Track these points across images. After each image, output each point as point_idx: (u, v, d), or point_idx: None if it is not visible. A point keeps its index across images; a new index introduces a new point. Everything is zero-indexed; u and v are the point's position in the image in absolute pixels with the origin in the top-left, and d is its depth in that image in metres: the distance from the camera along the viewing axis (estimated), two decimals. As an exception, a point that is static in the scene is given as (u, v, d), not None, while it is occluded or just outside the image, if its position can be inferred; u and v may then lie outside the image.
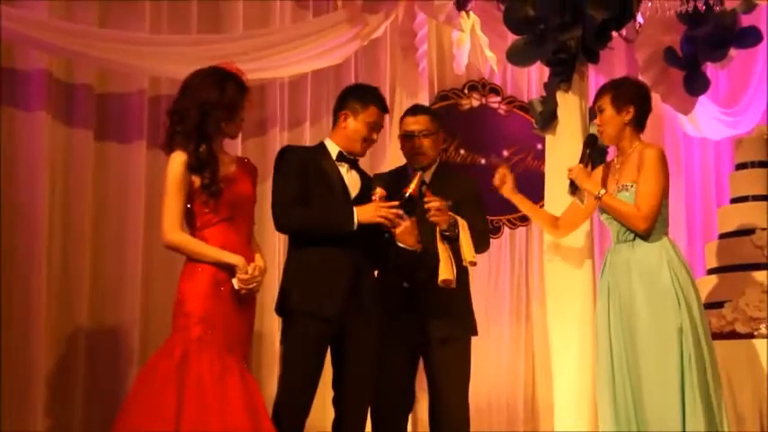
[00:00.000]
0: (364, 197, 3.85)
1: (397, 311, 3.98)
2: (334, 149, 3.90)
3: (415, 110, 4.28)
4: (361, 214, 3.71)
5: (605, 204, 3.95)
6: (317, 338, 3.73)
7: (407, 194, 3.79)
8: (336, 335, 3.76)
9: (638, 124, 4.05)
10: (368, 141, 3.91)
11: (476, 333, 4.19)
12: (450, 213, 3.92)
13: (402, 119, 4.25)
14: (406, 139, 4.15)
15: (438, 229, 3.90)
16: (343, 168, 3.88)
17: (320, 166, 3.85)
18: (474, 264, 3.96)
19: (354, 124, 3.87)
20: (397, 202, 3.75)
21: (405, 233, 3.79)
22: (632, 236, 3.91)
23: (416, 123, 4.15)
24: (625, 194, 3.92)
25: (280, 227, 3.85)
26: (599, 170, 4.11)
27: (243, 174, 3.53)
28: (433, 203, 3.87)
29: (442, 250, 3.87)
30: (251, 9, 5.58)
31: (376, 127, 3.91)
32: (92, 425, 4.81)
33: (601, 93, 4.10)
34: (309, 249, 3.79)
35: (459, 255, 3.93)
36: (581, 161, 4.03)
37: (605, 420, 3.91)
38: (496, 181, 4.29)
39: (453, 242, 3.93)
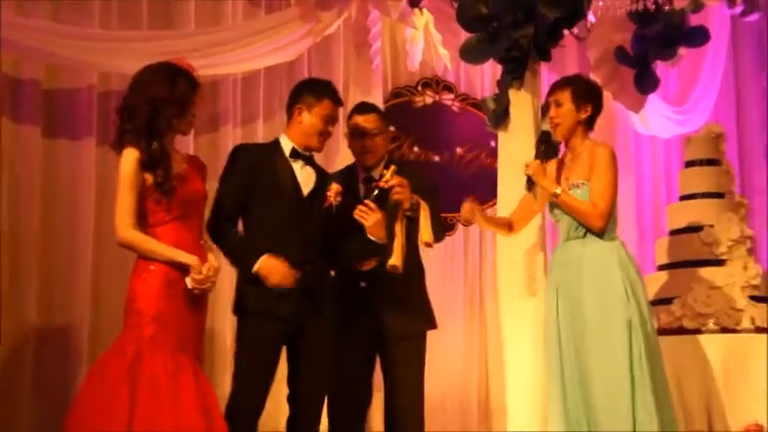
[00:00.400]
0: (318, 193, 3.83)
1: (355, 309, 3.98)
2: (288, 146, 3.86)
3: (365, 108, 4.25)
4: (262, 265, 3.66)
5: (562, 202, 3.97)
6: (272, 338, 3.71)
7: (380, 186, 3.78)
8: (291, 334, 3.74)
9: (590, 123, 4.10)
10: (324, 135, 3.88)
11: (435, 326, 4.19)
12: (412, 194, 3.91)
13: (350, 117, 4.20)
14: (356, 137, 4.12)
15: (399, 211, 3.88)
16: (297, 165, 3.85)
17: (271, 165, 3.81)
18: (430, 245, 3.96)
19: (309, 118, 3.84)
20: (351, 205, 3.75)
21: (376, 226, 3.76)
22: (583, 232, 3.95)
23: (366, 122, 4.13)
24: (576, 192, 3.96)
25: (208, 234, 3.78)
26: (551, 166, 4.13)
27: (193, 171, 3.50)
28: (394, 180, 3.84)
29: (398, 235, 3.86)
30: (203, 6, 5.55)
31: (331, 120, 3.88)
32: (40, 423, 4.76)
33: (559, 87, 4.10)
34: (263, 246, 3.77)
35: (412, 242, 3.94)
36: (536, 157, 4.05)
37: (555, 421, 3.93)
38: (465, 215, 4.21)
39: (412, 223, 3.92)
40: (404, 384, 4.04)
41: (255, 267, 3.63)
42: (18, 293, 4.85)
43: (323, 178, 3.91)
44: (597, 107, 4.08)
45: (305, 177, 3.85)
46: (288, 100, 3.95)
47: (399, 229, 3.88)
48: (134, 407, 3.16)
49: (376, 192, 3.79)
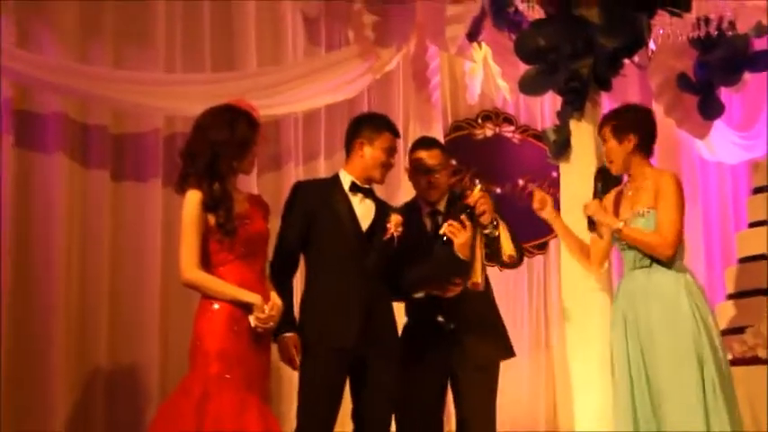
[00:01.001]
0: (378, 226, 3.85)
1: (431, 341, 3.97)
2: (347, 180, 3.91)
3: (428, 143, 4.26)
4: (284, 341, 3.71)
5: (626, 236, 3.90)
6: (334, 370, 3.73)
7: (468, 204, 3.82)
8: (354, 366, 3.75)
9: (644, 150, 4.00)
10: (386, 167, 3.93)
11: (513, 354, 4.16)
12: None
13: (413, 152, 4.20)
14: (420, 173, 4.12)
15: (478, 229, 3.88)
16: (356, 198, 3.89)
17: (329, 200, 3.85)
18: (513, 258, 3.98)
19: (371, 151, 3.88)
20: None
21: (464, 245, 3.79)
22: (648, 262, 3.87)
23: (430, 158, 4.12)
24: (641, 221, 3.89)
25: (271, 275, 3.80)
26: (611, 197, 4.07)
27: (255, 211, 3.54)
28: (481, 196, 3.85)
29: (478, 253, 3.87)
30: (264, 46, 5.62)
31: (392, 152, 3.93)
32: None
33: (602, 123, 4.07)
34: (324, 281, 3.81)
35: (492, 258, 3.95)
36: (595, 196, 4.00)
37: None
38: (536, 203, 4.21)
39: (492, 242, 3.92)
40: (480, 415, 4.01)
41: (277, 337, 3.65)
42: (88, 337, 4.91)
43: (383, 210, 3.92)
44: (644, 133, 3.98)
45: (364, 211, 3.88)
46: (346, 135, 3.99)
47: (479, 247, 3.88)
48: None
49: (465, 209, 3.81)
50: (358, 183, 3.89)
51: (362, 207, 3.88)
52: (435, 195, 4.12)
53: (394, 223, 3.82)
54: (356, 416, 3.81)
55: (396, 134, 3.98)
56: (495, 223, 3.91)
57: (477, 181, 3.91)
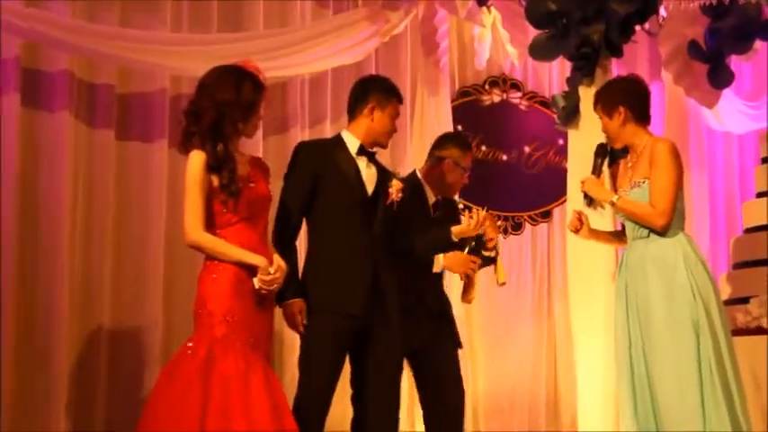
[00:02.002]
0: (380, 191, 3.84)
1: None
2: (353, 143, 3.86)
3: (466, 144, 4.44)
4: (290, 306, 3.73)
5: (620, 209, 3.88)
6: (339, 336, 3.71)
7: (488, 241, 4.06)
8: (358, 333, 3.74)
9: (638, 119, 3.93)
10: (392, 133, 3.94)
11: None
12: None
13: (452, 148, 4.30)
14: (458, 171, 4.26)
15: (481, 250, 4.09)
16: (363, 162, 3.86)
17: (336, 162, 3.82)
18: (504, 284, 4.30)
19: (381, 117, 3.86)
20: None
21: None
22: (646, 232, 3.84)
23: (466, 160, 4.31)
24: (637, 191, 3.85)
25: (274, 238, 3.79)
26: (619, 168, 4.04)
27: (257, 173, 3.52)
28: (484, 219, 3.93)
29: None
30: (271, 8, 5.59)
31: (397, 118, 3.95)
32: (114, 424, 4.83)
33: (594, 103, 4.04)
34: (329, 245, 3.78)
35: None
36: (593, 172, 3.97)
37: (626, 422, 3.85)
38: (572, 226, 4.08)
39: (488, 262, 4.12)
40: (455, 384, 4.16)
41: (282, 302, 3.66)
42: (92, 295, 4.94)
43: (384, 175, 3.91)
44: (633, 103, 3.91)
45: (368, 175, 3.85)
46: (353, 98, 3.94)
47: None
48: (206, 407, 3.19)
49: (486, 246, 4.08)
50: (366, 146, 3.87)
51: (368, 171, 3.86)
52: (454, 193, 4.30)
53: (395, 189, 3.82)
54: (355, 382, 3.81)
55: (401, 101, 3.98)
56: (495, 248, 4.10)
57: (486, 208, 3.93)
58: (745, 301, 5.50)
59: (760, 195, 6.02)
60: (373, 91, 3.90)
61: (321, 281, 3.74)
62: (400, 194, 3.84)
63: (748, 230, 5.96)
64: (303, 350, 3.78)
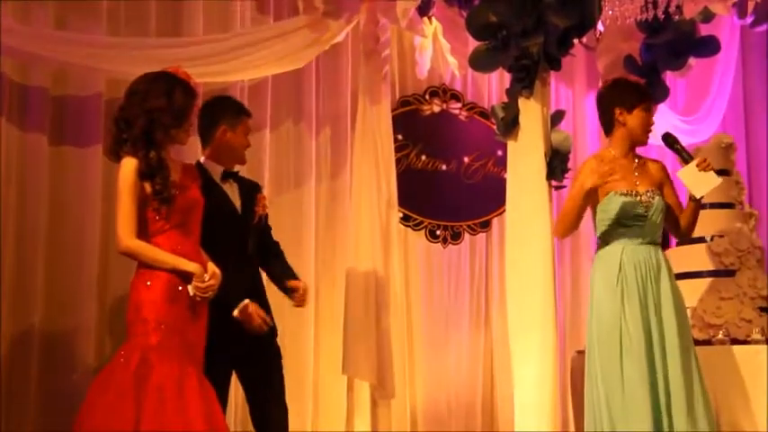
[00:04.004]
0: (248, 207, 3.94)
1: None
2: (216, 169, 3.92)
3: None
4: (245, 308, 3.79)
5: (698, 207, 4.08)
6: (221, 360, 3.75)
7: None
8: (239, 355, 3.83)
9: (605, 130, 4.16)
10: (247, 147, 4.07)
11: None
12: None
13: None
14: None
15: None
16: (229, 186, 3.94)
17: (205, 191, 3.71)
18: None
19: (235, 137, 3.97)
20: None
21: None
22: (660, 239, 4.03)
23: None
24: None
25: None
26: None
27: (189, 180, 3.51)
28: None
29: None
30: (211, 13, 5.53)
31: (249, 132, 4.08)
32: (46, 427, 4.72)
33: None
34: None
35: None
36: (688, 159, 4.04)
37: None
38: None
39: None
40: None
41: (236, 311, 3.70)
42: (24, 299, 4.83)
43: (247, 190, 4.00)
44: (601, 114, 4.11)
45: (234, 196, 3.95)
46: (203, 123, 4.00)
47: None
48: (140, 416, 3.17)
49: None
50: (228, 169, 3.94)
51: (232, 193, 3.94)
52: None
53: (261, 205, 3.95)
54: (255, 418, 3.90)
55: (250, 114, 4.10)
56: None
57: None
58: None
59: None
60: (220, 114, 3.98)
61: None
62: (266, 208, 3.98)
63: (681, 243, 6.05)
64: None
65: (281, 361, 4.00)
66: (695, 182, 3.97)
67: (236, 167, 4.06)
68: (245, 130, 3.99)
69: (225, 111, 3.98)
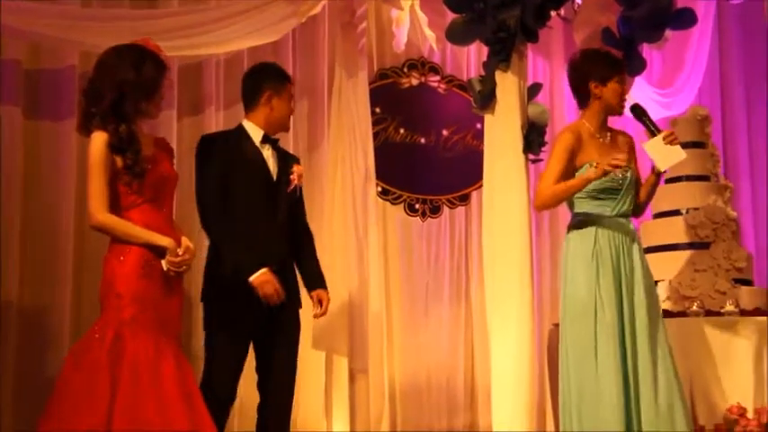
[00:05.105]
0: (283, 177, 3.89)
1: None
2: (256, 132, 3.90)
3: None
4: (260, 277, 3.69)
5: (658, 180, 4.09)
6: (243, 324, 3.74)
7: None
8: (262, 323, 3.77)
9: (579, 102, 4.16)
10: (292, 113, 4.04)
11: None
12: None
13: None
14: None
15: None
16: (267, 151, 3.89)
17: (242, 151, 3.84)
18: None
19: (279, 103, 3.91)
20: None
21: None
22: (630, 211, 4.03)
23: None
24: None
25: (204, 227, 3.82)
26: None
27: (161, 154, 3.48)
28: None
29: None
30: (187, -17, 5.47)
31: (293, 99, 4.04)
32: (21, 403, 4.73)
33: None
34: (238, 233, 3.78)
35: None
36: (654, 132, 4.00)
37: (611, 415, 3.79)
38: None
39: None
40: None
41: (253, 278, 3.67)
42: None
43: (285, 161, 3.96)
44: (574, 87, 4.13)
45: (273, 162, 3.90)
46: (247, 89, 3.98)
47: None
48: (115, 392, 3.14)
49: None
50: (269, 135, 3.90)
51: (272, 158, 3.90)
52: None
53: (297, 174, 3.89)
54: (261, 369, 3.84)
55: (292, 80, 4.06)
56: None
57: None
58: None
59: (669, 181, 6.15)
60: (266, 79, 3.93)
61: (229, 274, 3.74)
62: (302, 180, 3.93)
63: (657, 215, 6.10)
64: (207, 338, 3.80)
65: (299, 334, 3.93)
66: (661, 155, 3.95)
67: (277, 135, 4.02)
68: (290, 96, 3.98)
69: (269, 76, 3.95)
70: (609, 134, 4.09)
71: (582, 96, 4.10)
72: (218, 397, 3.65)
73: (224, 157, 3.82)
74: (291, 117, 4.04)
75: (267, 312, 3.73)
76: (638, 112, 4.09)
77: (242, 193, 3.78)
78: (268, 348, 3.82)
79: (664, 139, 3.93)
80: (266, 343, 3.81)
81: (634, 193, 4.04)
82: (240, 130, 3.93)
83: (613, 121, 4.27)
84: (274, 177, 3.87)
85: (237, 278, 3.70)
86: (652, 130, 4.01)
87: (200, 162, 3.85)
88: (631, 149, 4.12)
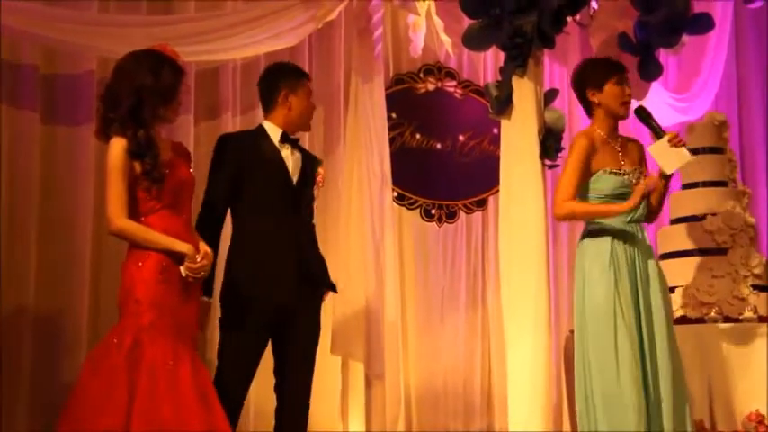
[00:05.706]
0: (308, 177, 3.89)
1: None
2: (275, 132, 3.89)
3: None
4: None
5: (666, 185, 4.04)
6: (262, 326, 3.74)
7: None
8: (282, 322, 3.75)
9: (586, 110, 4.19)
10: (313, 111, 4.02)
11: None
12: None
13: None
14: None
15: None
16: (286, 151, 3.88)
17: (260, 151, 3.83)
18: None
19: (298, 101, 3.90)
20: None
21: None
22: (644, 217, 4.00)
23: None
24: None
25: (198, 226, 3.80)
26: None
27: (179, 158, 3.49)
28: None
29: None
30: (203, -10, 5.50)
31: (311, 95, 4.01)
32: (37, 408, 4.73)
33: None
34: (256, 234, 3.79)
35: None
36: (660, 134, 3.95)
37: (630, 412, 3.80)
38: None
39: None
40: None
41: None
42: (16, 279, 4.82)
43: (307, 161, 3.95)
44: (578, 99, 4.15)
45: (293, 162, 3.90)
46: (264, 89, 3.98)
47: None
48: (133, 396, 3.16)
49: None
50: (288, 134, 3.88)
51: (292, 158, 3.89)
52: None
53: (321, 176, 3.91)
54: (279, 370, 3.83)
55: (309, 77, 4.05)
56: None
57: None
58: (670, 291, 5.58)
59: (686, 187, 6.12)
60: (281, 78, 3.93)
61: (248, 270, 3.73)
62: (323, 183, 3.95)
63: (674, 221, 6.07)
64: (222, 340, 3.80)
65: (318, 338, 3.93)
66: (666, 158, 3.89)
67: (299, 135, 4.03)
68: (308, 93, 3.95)
69: (283, 75, 3.95)
70: (619, 140, 4.08)
71: (586, 106, 4.13)
72: (228, 396, 3.64)
73: (237, 156, 3.82)
74: (312, 115, 4.01)
75: (286, 315, 3.72)
76: (643, 114, 4.07)
77: (259, 192, 3.78)
78: (286, 350, 3.81)
79: (669, 141, 3.89)
80: (285, 345, 3.80)
81: (647, 199, 4.02)
82: (259, 129, 3.94)
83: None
84: (293, 177, 3.86)
85: (254, 280, 3.69)
86: (657, 132, 3.97)
87: (212, 163, 3.88)
88: (642, 155, 4.11)
